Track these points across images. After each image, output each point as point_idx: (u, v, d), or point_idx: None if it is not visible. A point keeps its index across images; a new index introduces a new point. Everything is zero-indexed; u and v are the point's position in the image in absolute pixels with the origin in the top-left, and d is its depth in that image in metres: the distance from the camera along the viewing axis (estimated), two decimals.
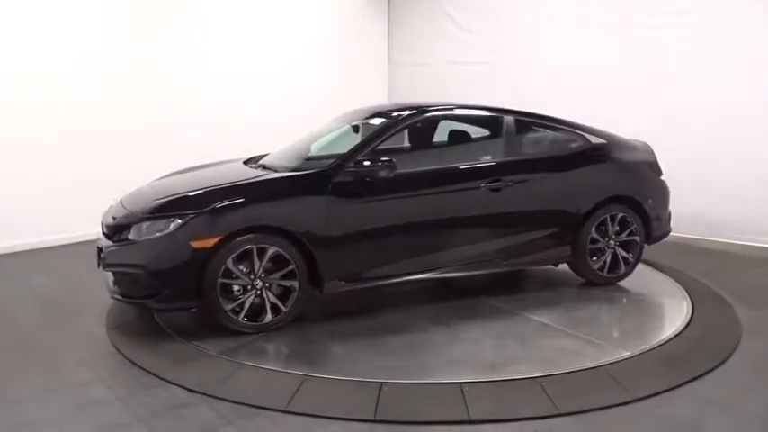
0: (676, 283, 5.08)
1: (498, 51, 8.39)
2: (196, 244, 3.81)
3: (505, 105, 4.99)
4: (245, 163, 4.86)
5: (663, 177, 5.19)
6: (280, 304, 4.03)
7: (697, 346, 3.88)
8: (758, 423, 3.02)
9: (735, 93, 6.31)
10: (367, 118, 4.88)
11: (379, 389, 3.25)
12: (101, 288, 4.93)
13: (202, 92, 7.72)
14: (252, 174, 4.42)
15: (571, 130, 4.98)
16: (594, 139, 4.96)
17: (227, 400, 3.18)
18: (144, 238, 3.92)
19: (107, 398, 3.26)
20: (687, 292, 4.87)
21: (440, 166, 4.66)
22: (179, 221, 3.86)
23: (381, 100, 9.53)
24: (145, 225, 3.94)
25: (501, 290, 4.95)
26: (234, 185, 4.13)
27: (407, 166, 4.40)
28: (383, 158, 4.19)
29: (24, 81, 6.32)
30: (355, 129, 4.98)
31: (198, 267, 3.83)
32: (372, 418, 3.00)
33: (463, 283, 5.00)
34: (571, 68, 7.63)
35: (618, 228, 4.91)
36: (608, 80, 7.30)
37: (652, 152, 5.24)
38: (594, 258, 4.90)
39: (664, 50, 6.80)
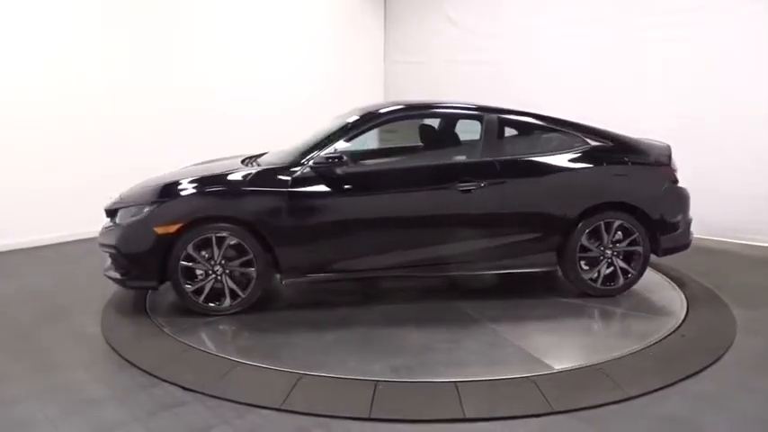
0: (672, 282, 5.09)
1: (496, 50, 8.39)
2: (160, 229, 4.17)
3: (500, 104, 4.87)
4: (244, 160, 4.89)
5: (680, 184, 4.77)
6: (238, 290, 4.29)
7: (692, 344, 3.88)
8: (753, 421, 3.03)
9: (738, 92, 6.34)
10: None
11: (375, 387, 3.25)
12: (96, 287, 4.98)
13: (200, 92, 7.73)
14: (228, 168, 4.54)
15: (566, 130, 4.71)
16: (594, 141, 4.67)
17: (223, 399, 3.18)
18: (122, 222, 4.33)
19: (102, 397, 3.25)
20: (682, 290, 4.89)
21: (400, 165, 4.76)
22: (148, 208, 4.23)
23: (377, 98, 9.54)
24: (124, 211, 4.37)
25: (500, 287, 4.96)
26: (201, 178, 4.39)
27: (371, 164, 4.56)
28: (333, 155, 4.30)
29: (21, 81, 6.31)
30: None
31: (161, 251, 4.18)
32: (368, 416, 3.01)
33: (470, 282, 5.03)
34: (569, 66, 7.64)
35: (617, 236, 4.61)
36: (607, 78, 7.31)
37: (668, 156, 4.80)
38: (587, 268, 4.64)
39: (664, 49, 6.81)
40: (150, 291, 4.79)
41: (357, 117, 4.62)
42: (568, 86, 7.55)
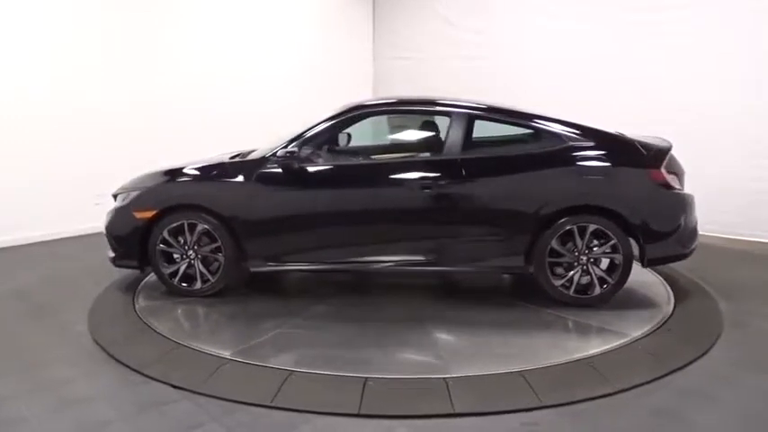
0: (659, 276, 5.12)
1: (486, 45, 8.40)
2: (138, 215, 4.58)
3: (486, 99, 4.78)
4: (234, 156, 4.93)
5: (678, 189, 4.39)
6: (208, 274, 4.58)
7: (679, 338, 3.91)
8: (741, 413, 3.05)
9: (725, 86, 6.37)
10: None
11: (364, 383, 3.24)
12: (85, 284, 4.97)
13: (190, 92, 7.74)
14: (207, 161, 4.81)
15: (544, 127, 4.47)
16: (573, 138, 4.38)
17: (212, 396, 3.16)
18: (114, 206, 4.77)
19: (90, 395, 3.23)
20: (670, 284, 4.92)
21: (359, 162, 4.86)
22: (132, 195, 4.66)
23: (367, 95, 9.53)
24: (120, 196, 4.76)
25: (493, 282, 4.96)
26: (181, 168, 4.72)
27: (335, 160, 4.67)
28: (288, 150, 4.46)
29: (11, 79, 6.26)
30: None
31: (141, 235, 4.58)
32: (357, 412, 3.00)
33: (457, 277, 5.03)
34: (559, 61, 7.66)
35: (595, 242, 4.35)
36: (597, 73, 7.33)
37: (660, 157, 4.35)
38: (561, 274, 4.39)
39: (656, 42, 6.83)
40: (137, 291, 4.86)
41: (328, 117, 4.67)
42: (559, 81, 7.56)
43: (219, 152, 5.24)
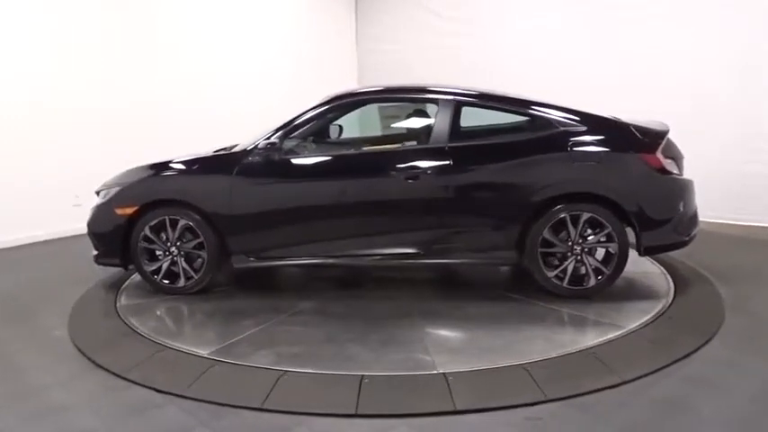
0: (656, 263, 5.03)
1: (470, 35, 8.32)
2: (119, 211, 4.45)
3: (471, 86, 4.61)
4: (218, 150, 4.83)
5: (676, 174, 4.22)
6: (191, 271, 4.44)
7: (682, 325, 3.81)
8: (750, 400, 2.95)
9: (717, 70, 6.30)
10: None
11: (360, 382, 3.09)
12: (65, 288, 4.81)
13: (177, 89, 7.60)
14: (190, 155, 4.65)
15: (534, 112, 4.31)
16: (565, 123, 4.21)
17: (199, 400, 2.99)
18: (95, 203, 4.64)
19: (70, 403, 3.04)
20: (669, 272, 4.82)
21: (344, 152, 4.74)
22: (113, 191, 4.52)
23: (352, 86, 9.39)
24: (103, 193, 4.63)
25: (485, 274, 4.83)
26: (163, 163, 4.57)
27: (320, 152, 4.59)
28: (269, 142, 4.30)
29: None
30: None
31: (122, 232, 4.45)
32: (354, 412, 2.85)
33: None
34: (544, 49, 7.59)
35: (590, 231, 4.20)
36: (582, 60, 7.27)
37: (655, 141, 4.16)
38: (556, 265, 4.24)
39: (642, 33, 6.77)
40: (119, 292, 4.71)
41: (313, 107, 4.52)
42: (544, 69, 7.49)
43: (206, 148, 5.08)
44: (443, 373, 3.16)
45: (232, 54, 8.29)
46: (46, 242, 6.46)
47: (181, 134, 7.27)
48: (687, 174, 4.39)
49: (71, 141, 6.68)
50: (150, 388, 3.13)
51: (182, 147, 5.44)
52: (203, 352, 3.52)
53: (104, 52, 6.95)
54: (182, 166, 4.55)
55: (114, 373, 3.31)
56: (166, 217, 4.41)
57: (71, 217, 5.90)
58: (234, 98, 8.20)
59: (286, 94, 8.43)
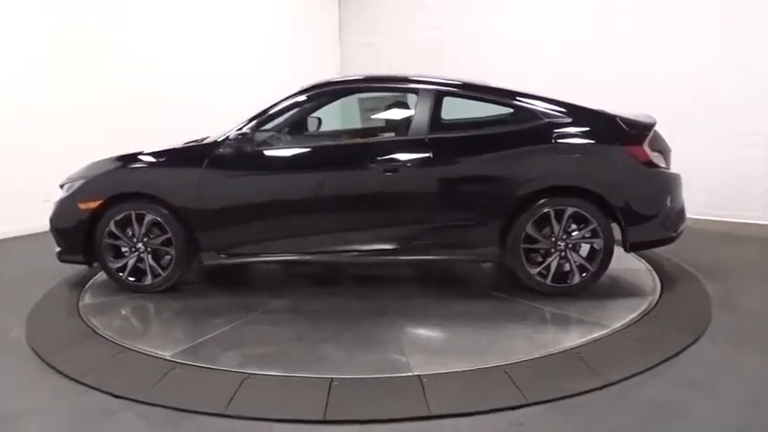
0: (642, 260, 4.90)
1: (453, 26, 8.19)
2: (83, 206, 4.23)
3: (449, 76, 4.42)
4: (188, 143, 4.64)
5: (663, 168, 4.08)
6: (159, 269, 4.24)
7: (669, 323, 3.67)
8: (740, 401, 2.80)
9: (703, 64, 6.19)
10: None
11: (330, 385, 2.91)
12: (25, 287, 4.59)
13: (160, 82, 7.40)
14: (159, 147, 4.44)
15: (516, 103, 4.17)
16: (548, 115, 4.07)
17: (158, 405, 2.80)
18: (58, 197, 4.41)
19: (20, 410, 2.83)
20: (654, 268, 4.70)
21: (319, 144, 4.56)
22: (77, 184, 4.30)
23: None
24: (67, 186, 4.40)
25: (469, 272, 4.67)
26: (129, 155, 4.36)
27: (295, 143, 4.39)
28: (241, 133, 4.12)
29: None
30: None
31: (86, 227, 4.24)
32: (322, 418, 2.67)
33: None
34: (528, 40, 7.49)
35: (574, 227, 4.05)
36: (567, 52, 7.15)
37: (642, 133, 4.03)
38: (539, 261, 4.08)
39: (630, 23, 6.65)
40: (84, 290, 4.51)
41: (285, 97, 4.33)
42: (528, 60, 7.37)
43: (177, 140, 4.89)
44: (418, 376, 2.98)
45: (213, 49, 8.14)
46: (14, 239, 6.22)
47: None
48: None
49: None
50: (107, 393, 2.93)
51: (163, 141, 5.28)
52: (166, 354, 3.32)
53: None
54: (150, 158, 4.32)
55: (70, 377, 3.11)
56: (132, 211, 4.20)
57: (42, 213, 5.69)
58: (213, 88, 8.03)
59: (268, 87, 8.22)
